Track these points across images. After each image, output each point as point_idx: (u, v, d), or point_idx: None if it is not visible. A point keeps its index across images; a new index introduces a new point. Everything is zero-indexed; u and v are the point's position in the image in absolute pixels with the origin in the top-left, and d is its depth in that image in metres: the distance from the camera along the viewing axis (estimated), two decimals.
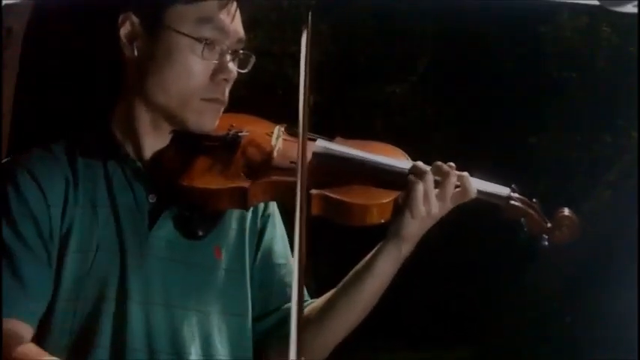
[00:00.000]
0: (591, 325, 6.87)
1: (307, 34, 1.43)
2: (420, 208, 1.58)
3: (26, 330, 1.52)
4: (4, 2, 1.64)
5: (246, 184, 1.58)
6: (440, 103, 9.67)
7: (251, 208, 1.69)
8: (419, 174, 1.60)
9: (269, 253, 1.74)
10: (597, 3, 1.62)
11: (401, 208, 1.60)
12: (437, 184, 1.60)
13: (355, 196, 1.59)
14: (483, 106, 9.05)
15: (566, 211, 1.66)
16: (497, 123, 8.73)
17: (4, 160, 1.64)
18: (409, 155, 1.72)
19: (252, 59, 1.66)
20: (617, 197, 7.45)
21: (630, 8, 1.58)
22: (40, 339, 1.55)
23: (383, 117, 9.40)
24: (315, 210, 1.57)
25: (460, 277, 8.58)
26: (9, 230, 1.52)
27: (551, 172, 8.29)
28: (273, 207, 1.77)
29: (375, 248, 1.66)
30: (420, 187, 1.58)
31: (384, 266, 1.64)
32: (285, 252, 1.78)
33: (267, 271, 1.73)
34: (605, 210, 7.37)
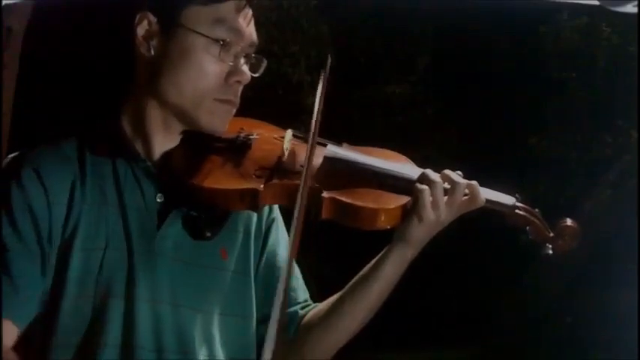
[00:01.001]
0: (591, 326, 6.88)
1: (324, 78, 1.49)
2: (429, 214, 1.58)
3: (12, 331, 1.52)
4: (4, 2, 1.64)
5: (258, 185, 1.57)
6: (440, 103, 9.68)
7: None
8: (428, 181, 1.60)
9: (273, 256, 1.74)
10: (597, 3, 1.62)
11: (409, 213, 1.60)
12: (446, 192, 1.61)
13: (365, 200, 1.59)
14: (483, 106, 9.07)
15: (569, 221, 1.66)
16: (497, 123, 8.75)
17: (12, 155, 1.63)
18: (410, 155, 1.73)
19: (264, 63, 1.66)
20: (617, 197, 7.46)
21: (630, 8, 1.58)
22: (47, 338, 1.54)
23: (383, 117, 9.41)
24: (325, 213, 1.57)
25: (461, 277, 8.60)
26: (8, 226, 1.53)
27: (551, 172, 8.30)
28: (277, 211, 1.77)
29: (382, 252, 1.67)
30: (428, 194, 1.58)
31: (390, 270, 1.64)
32: (287, 256, 1.78)
33: (271, 274, 1.73)
34: (605, 210, 7.38)
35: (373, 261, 1.67)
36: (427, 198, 1.59)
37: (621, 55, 8.16)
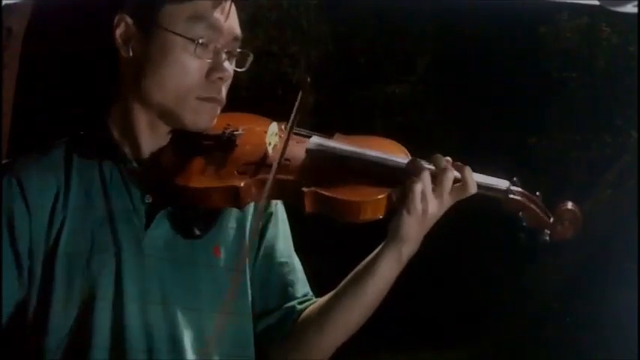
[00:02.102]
0: (591, 326, 6.87)
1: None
2: (417, 206, 1.54)
3: None
4: (4, 2, 1.63)
5: (238, 182, 1.56)
6: (440, 103, 9.68)
7: (253, 207, 1.69)
8: (415, 171, 1.57)
9: (271, 251, 1.71)
10: (597, 3, 1.62)
11: (398, 207, 1.56)
12: (434, 180, 1.57)
13: (348, 193, 1.55)
14: (483, 106, 9.06)
15: (569, 205, 1.60)
16: (497, 123, 8.74)
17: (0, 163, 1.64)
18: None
19: (250, 58, 1.65)
20: (617, 197, 7.45)
21: (630, 8, 1.58)
22: (37, 340, 1.55)
23: (383, 117, 9.41)
24: (308, 207, 1.56)
25: (460, 277, 8.59)
26: None
27: (551, 172, 8.29)
28: (276, 206, 1.77)
29: (377, 249, 1.63)
30: (417, 185, 1.54)
31: (385, 268, 1.61)
32: (288, 251, 1.76)
33: (268, 269, 1.72)
34: (605, 210, 7.37)
35: (368, 258, 1.65)
36: (416, 189, 1.55)
37: (621, 55, 8.16)
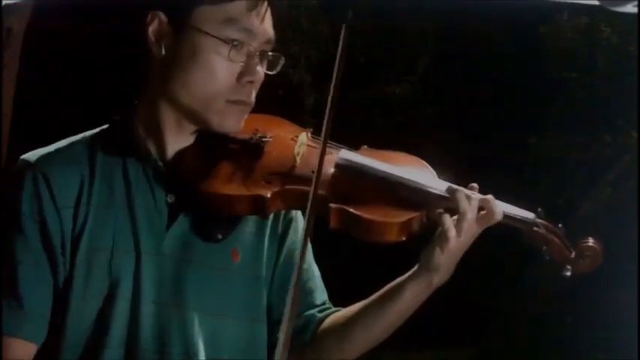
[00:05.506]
0: (591, 325, 6.87)
1: (343, 43, 1.42)
2: (453, 243, 1.56)
3: (27, 348, 1.52)
4: (4, 2, 1.63)
5: (266, 192, 1.53)
6: (440, 103, 9.67)
7: (274, 214, 1.65)
8: (456, 211, 1.56)
9: (290, 257, 1.69)
10: (597, 3, 1.61)
11: (433, 241, 1.57)
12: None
13: (375, 212, 1.53)
14: (483, 106, 9.06)
15: (590, 242, 1.61)
16: (497, 123, 8.74)
17: (22, 157, 1.62)
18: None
19: (282, 61, 1.65)
20: (617, 197, 7.45)
21: (630, 8, 1.58)
22: (54, 338, 1.54)
23: (383, 117, 9.41)
24: (333, 223, 1.53)
25: (460, 277, 8.58)
26: (17, 238, 1.52)
27: (551, 172, 8.29)
28: (296, 212, 1.72)
29: (407, 274, 1.62)
30: (453, 225, 1.55)
31: (412, 294, 1.60)
32: (308, 257, 1.73)
33: (288, 276, 1.68)
34: (605, 210, 7.37)
35: (395, 282, 1.63)
36: (452, 230, 1.55)
37: (621, 55, 8.16)
